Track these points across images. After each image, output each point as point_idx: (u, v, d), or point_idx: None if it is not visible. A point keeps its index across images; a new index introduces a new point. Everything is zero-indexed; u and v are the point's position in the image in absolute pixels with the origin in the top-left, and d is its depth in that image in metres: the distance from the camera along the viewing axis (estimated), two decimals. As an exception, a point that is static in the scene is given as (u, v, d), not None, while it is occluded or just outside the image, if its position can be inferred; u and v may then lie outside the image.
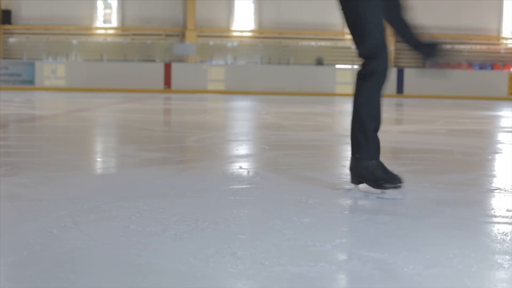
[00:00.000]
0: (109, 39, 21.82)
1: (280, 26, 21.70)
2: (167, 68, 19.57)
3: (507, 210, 2.66)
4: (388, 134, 6.67)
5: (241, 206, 2.66)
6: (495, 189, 3.24)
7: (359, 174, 2.92)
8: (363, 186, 2.95)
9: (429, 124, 8.46)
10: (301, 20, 21.50)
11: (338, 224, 2.38)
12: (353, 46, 2.94)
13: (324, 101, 15.33)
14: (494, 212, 2.68)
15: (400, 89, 19.37)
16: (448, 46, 2.93)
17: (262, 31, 21.93)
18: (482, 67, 20.85)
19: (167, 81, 19.49)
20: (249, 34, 22.04)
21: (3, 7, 21.39)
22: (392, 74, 19.50)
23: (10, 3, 21.58)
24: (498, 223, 2.45)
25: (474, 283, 1.72)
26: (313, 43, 21.51)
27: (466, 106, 14.01)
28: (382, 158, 2.95)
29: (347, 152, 5.38)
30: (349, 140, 2.98)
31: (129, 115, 9.37)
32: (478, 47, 21.42)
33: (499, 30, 21.61)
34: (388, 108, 14.08)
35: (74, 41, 21.30)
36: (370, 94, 2.88)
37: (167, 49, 20.95)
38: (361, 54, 2.88)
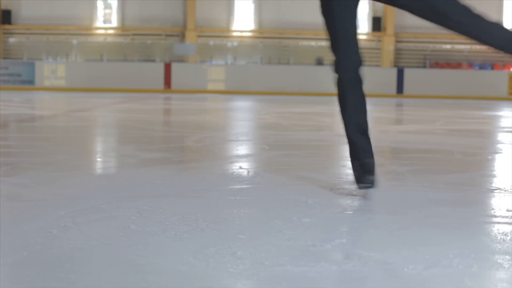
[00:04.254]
0: (109, 39, 21.84)
1: (280, 26, 21.71)
2: (167, 68, 19.58)
3: (507, 210, 2.66)
4: (388, 134, 6.67)
5: (241, 206, 2.66)
6: (495, 189, 3.24)
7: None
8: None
9: (429, 124, 8.46)
10: (301, 20, 21.51)
11: (338, 224, 2.38)
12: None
13: (324, 101, 15.33)
14: (494, 212, 2.68)
15: (400, 89, 19.38)
16: None
17: (262, 31, 21.94)
18: (482, 67, 20.86)
19: (167, 81, 19.50)
20: (249, 34, 22.05)
21: (3, 7, 21.40)
22: (393, 74, 19.53)
23: (10, 3, 21.59)
24: (498, 223, 2.44)
25: (474, 283, 1.72)
26: (313, 43, 21.53)
27: (466, 106, 14.01)
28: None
29: (347, 152, 5.38)
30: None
31: (129, 115, 9.37)
32: (478, 47, 21.42)
33: (499, 30, 21.59)
34: (388, 108, 14.13)
35: (74, 41, 21.31)
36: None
37: (167, 49, 20.97)
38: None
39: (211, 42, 21.47)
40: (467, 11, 2.73)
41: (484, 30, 2.75)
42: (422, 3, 2.73)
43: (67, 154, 4.42)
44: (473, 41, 2.83)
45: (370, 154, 2.91)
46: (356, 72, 2.87)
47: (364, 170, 2.87)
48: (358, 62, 2.87)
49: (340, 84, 2.87)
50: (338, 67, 2.87)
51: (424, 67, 20.86)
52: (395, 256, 1.92)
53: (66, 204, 2.58)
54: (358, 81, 2.89)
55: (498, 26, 2.74)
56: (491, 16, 2.80)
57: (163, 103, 13.57)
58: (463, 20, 2.73)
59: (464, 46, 21.34)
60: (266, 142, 5.61)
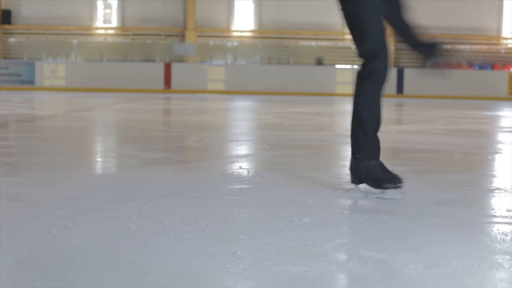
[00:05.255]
0: (109, 39, 21.83)
1: (280, 26, 21.71)
2: (167, 68, 19.57)
3: (507, 210, 2.66)
4: (388, 134, 6.67)
5: (241, 206, 2.66)
6: (495, 189, 3.24)
7: (359, 174, 2.92)
8: (363, 186, 2.95)
9: (429, 124, 8.46)
10: (301, 20, 21.50)
11: (338, 224, 2.38)
12: (353, 46, 2.94)
13: (324, 101, 15.33)
14: (494, 212, 2.68)
15: (400, 89, 19.37)
16: (448, 46, 2.93)
17: (262, 31, 21.93)
18: (482, 67, 20.85)
19: (167, 81, 19.49)
20: (249, 34, 22.04)
21: (3, 7, 21.39)
22: (392, 74, 19.51)
23: (10, 3, 21.58)
24: (498, 223, 2.44)
25: (474, 283, 1.72)
26: (313, 43, 21.51)
27: (466, 106, 14.01)
28: (382, 158, 2.95)
29: (347, 152, 5.38)
30: (349, 140, 2.98)
31: (129, 115, 9.37)
32: (478, 47, 21.42)
33: (499, 30, 21.61)
34: (388, 108, 14.09)
35: (74, 41, 21.30)
36: (370, 94, 2.88)
37: (167, 49, 20.96)
38: (361, 54, 2.88)
39: (211, 42, 21.47)
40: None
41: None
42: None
43: (67, 154, 4.42)
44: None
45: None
46: None
47: (387, 170, 2.90)
48: None
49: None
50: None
51: (424, 67, 20.84)
52: (395, 256, 1.92)
53: (66, 204, 2.58)
54: None
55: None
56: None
57: (163, 103, 13.57)
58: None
59: (464, 46, 21.33)
60: (266, 142, 5.61)
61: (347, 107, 12.76)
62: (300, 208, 2.58)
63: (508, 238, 2.18)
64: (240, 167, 3.84)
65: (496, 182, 3.53)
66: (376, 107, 2.89)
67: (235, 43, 21.59)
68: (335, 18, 21.46)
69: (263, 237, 2.12)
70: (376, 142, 2.91)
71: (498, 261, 1.90)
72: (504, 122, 9.74)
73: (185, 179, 3.43)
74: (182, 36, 21.76)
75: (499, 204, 2.88)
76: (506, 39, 21.68)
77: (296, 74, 19.78)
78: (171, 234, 2.12)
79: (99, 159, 4.47)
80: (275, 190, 3.04)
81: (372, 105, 2.88)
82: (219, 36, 21.86)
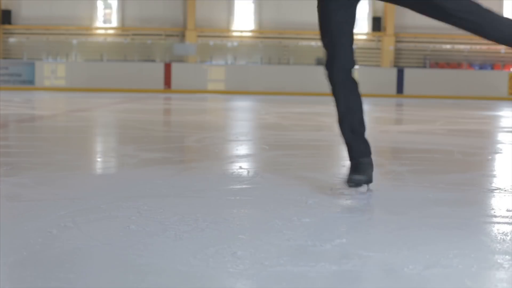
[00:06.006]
0: (109, 39, 21.85)
1: (280, 26, 21.71)
2: (167, 68, 19.58)
3: (507, 210, 2.66)
4: (388, 134, 6.67)
5: (241, 206, 2.66)
6: (495, 189, 3.24)
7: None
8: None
9: (429, 124, 8.46)
10: (301, 20, 21.51)
11: (338, 224, 2.38)
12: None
13: (324, 101, 15.31)
14: (494, 212, 2.68)
15: (400, 89, 19.38)
16: None
17: (262, 31, 21.94)
18: (482, 67, 20.86)
19: (167, 81, 19.50)
20: (249, 34, 22.06)
21: (3, 7, 21.40)
22: (393, 74, 19.53)
23: (10, 3, 21.59)
24: (498, 223, 2.44)
25: (474, 283, 1.72)
26: (313, 43, 21.52)
27: (466, 106, 14.01)
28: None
29: (347, 152, 5.38)
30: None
31: (129, 115, 9.37)
32: (478, 47, 21.43)
33: (499, 30, 21.59)
34: (388, 108, 14.12)
35: (74, 41, 21.31)
36: None
37: (167, 49, 20.97)
38: None
39: (211, 42, 21.48)
40: (471, 8, 2.72)
41: (491, 27, 2.73)
42: (423, 1, 2.73)
43: (67, 154, 4.42)
44: (481, 38, 2.80)
45: (364, 154, 2.93)
46: (348, 73, 2.87)
47: (353, 169, 2.89)
48: (351, 63, 2.87)
49: (331, 83, 2.90)
50: (329, 65, 2.88)
51: (424, 67, 20.87)
52: (395, 256, 1.92)
53: (66, 204, 2.58)
54: (350, 82, 2.89)
55: (507, 21, 2.73)
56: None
57: (163, 103, 13.57)
58: (467, 17, 2.71)
59: (464, 46, 21.34)
60: (266, 142, 5.61)
61: (347, 107, 12.77)
62: (300, 208, 2.58)
63: (508, 238, 2.17)
64: (240, 167, 3.84)
65: (496, 182, 3.53)
66: None
67: (235, 43, 21.60)
68: (335, 18, 21.46)
69: (263, 237, 2.12)
70: None
71: (498, 261, 1.90)
72: (504, 122, 9.74)
73: (185, 179, 3.43)
74: (182, 36, 21.78)
75: (499, 204, 2.88)
76: (506, 39, 21.66)
77: (296, 74, 19.78)
78: (171, 234, 2.12)
79: (99, 159, 4.47)
80: (275, 190, 3.04)
81: None
82: (219, 36, 21.88)
